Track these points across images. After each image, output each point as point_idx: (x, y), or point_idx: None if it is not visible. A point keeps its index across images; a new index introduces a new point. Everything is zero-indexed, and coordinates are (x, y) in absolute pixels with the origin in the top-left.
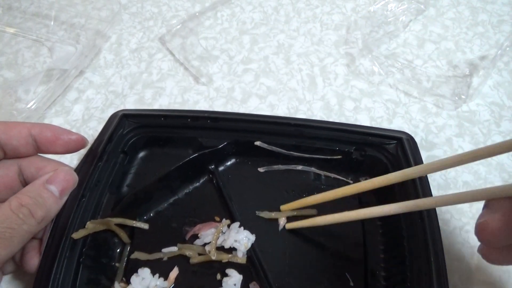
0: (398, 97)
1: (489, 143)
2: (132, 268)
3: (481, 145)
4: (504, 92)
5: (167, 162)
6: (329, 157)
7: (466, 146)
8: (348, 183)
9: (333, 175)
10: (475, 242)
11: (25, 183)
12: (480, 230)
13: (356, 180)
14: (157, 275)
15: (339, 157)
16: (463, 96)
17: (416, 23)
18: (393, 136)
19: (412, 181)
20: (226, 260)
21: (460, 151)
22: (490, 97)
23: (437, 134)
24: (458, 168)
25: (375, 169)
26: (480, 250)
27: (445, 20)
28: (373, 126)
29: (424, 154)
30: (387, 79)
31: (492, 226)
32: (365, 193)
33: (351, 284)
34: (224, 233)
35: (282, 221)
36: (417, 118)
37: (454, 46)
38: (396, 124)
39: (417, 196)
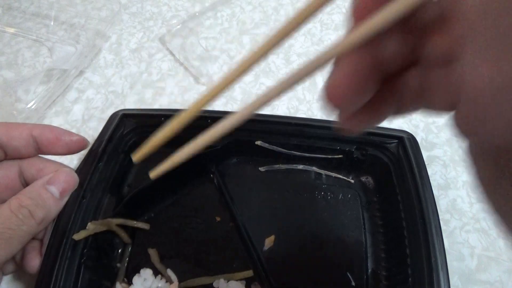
0: None
1: None
2: (133, 268)
3: None
4: None
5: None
6: (330, 157)
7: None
8: (349, 183)
9: (334, 174)
10: (475, 242)
11: (25, 184)
12: (328, 93)
13: (357, 180)
14: (159, 276)
15: (340, 156)
16: None
17: None
18: (394, 136)
19: (413, 180)
20: None
21: (460, 151)
22: None
23: (437, 134)
24: (458, 168)
25: (376, 168)
26: (338, 120)
27: None
28: None
29: (424, 154)
30: None
31: (343, 83)
32: (368, 192)
33: (353, 283)
34: None
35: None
36: (417, 118)
37: None
38: (396, 124)
39: (418, 195)
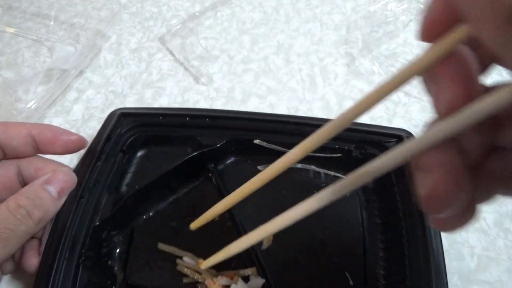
0: (398, 97)
1: None
2: (132, 268)
3: None
4: None
5: (166, 161)
6: (328, 155)
7: None
8: None
9: (332, 173)
10: (474, 242)
11: (24, 183)
12: (428, 204)
13: None
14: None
15: (339, 155)
16: None
17: (416, 23)
18: (393, 134)
19: (412, 179)
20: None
21: None
22: None
23: None
24: None
25: None
26: (433, 222)
27: None
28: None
29: None
30: None
31: (441, 193)
32: (366, 191)
33: (351, 283)
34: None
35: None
36: (417, 118)
37: None
38: (396, 124)
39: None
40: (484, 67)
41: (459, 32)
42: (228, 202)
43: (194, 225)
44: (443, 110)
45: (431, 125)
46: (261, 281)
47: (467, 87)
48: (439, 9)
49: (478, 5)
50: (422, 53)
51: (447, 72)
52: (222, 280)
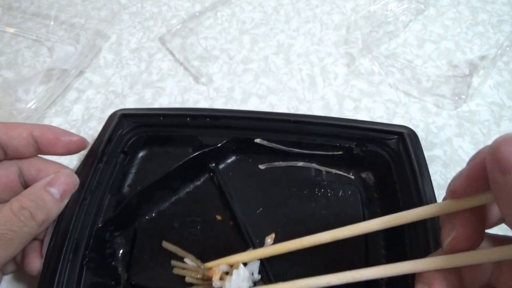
0: (398, 97)
1: (489, 143)
2: (136, 269)
3: (481, 145)
4: (504, 92)
5: (167, 161)
6: (330, 153)
7: (466, 146)
8: (350, 179)
9: (334, 171)
10: None
11: (25, 184)
12: None
13: (357, 176)
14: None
15: (340, 153)
16: (463, 96)
17: (416, 23)
18: (394, 131)
19: (413, 176)
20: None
21: (460, 151)
22: (490, 97)
23: (437, 134)
24: (458, 168)
25: (376, 164)
26: None
27: (445, 20)
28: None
29: (424, 154)
30: (387, 79)
31: None
32: (368, 188)
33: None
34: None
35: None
36: (417, 118)
37: (454, 46)
38: (397, 122)
39: (418, 191)
40: (491, 224)
41: (484, 198)
42: (246, 257)
43: (210, 265)
44: (445, 243)
45: (437, 252)
46: (256, 263)
47: (472, 233)
48: (475, 179)
49: None
50: (449, 202)
51: (462, 218)
52: (223, 266)
